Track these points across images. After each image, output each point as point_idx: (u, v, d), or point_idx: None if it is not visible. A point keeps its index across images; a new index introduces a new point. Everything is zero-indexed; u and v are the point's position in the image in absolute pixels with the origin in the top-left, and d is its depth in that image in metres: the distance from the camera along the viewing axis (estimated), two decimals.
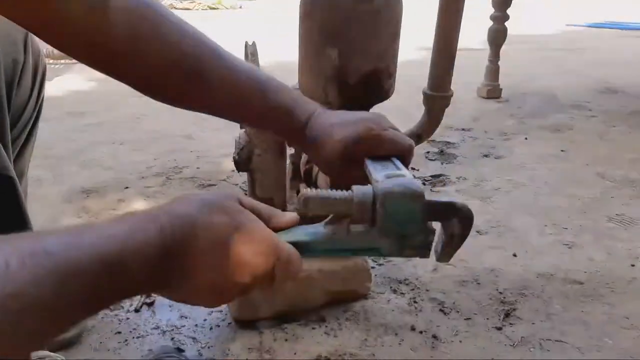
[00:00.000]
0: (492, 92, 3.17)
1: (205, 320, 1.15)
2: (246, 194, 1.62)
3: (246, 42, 1.12)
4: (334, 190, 0.53)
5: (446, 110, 1.50)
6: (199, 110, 0.76)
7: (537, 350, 1.08)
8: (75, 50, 0.68)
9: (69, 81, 3.48)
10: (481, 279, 1.32)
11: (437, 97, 1.44)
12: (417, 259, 0.60)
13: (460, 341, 1.10)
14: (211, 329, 1.13)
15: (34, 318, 0.38)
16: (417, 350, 1.07)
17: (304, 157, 1.25)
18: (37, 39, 0.73)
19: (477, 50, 3.69)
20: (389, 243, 0.54)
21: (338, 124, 0.70)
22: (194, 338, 1.10)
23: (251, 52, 1.09)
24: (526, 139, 2.44)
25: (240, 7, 10.05)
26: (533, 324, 1.15)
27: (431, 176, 1.98)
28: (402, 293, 1.25)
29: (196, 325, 1.14)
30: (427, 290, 1.27)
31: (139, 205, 1.72)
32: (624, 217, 1.64)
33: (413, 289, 1.27)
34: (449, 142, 2.38)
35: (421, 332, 1.12)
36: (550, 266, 1.38)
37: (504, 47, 3.13)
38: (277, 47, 3.05)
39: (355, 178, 0.70)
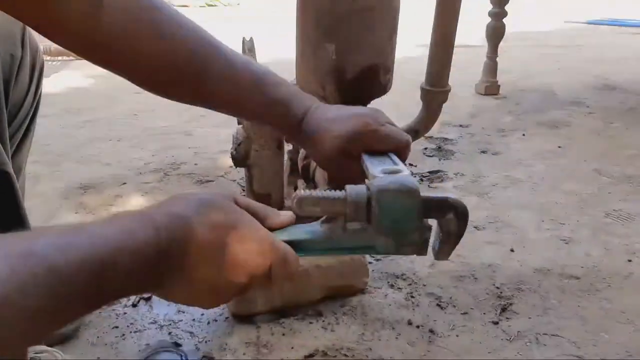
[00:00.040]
0: (490, 88, 3.18)
1: (202, 314, 1.16)
2: (244, 190, 1.62)
3: (244, 38, 1.12)
4: (328, 190, 0.53)
5: (444, 106, 1.50)
6: (197, 104, 0.76)
7: (533, 345, 1.08)
8: (73, 44, 0.68)
9: (66, 78, 3.48)
10: (478, 274, 1.32)
11: (435, 92, 1.44)
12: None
13: (457, 335, 1.11)
14: (208, 323, 1.13)
15: (24, 322, 0.38)
16: (414, 345, 1.08)
17: (302, 152, 1.25)
18: (35, 35, 0.73)
19: (475, 47, 3.69)
20: (385, 241, 0.53)
21: (335, 118, 0.70)
22: (191, 332, 1.10)
23: (248, 48, 1.09)
24: (524, 135, 2.44)
25: (238, 3, 10.03)
26: (530, 318, 1.16)
27: (429, 172, 1.98)
28: (399, 288, 1.26)
29: (193, 319, 1.14)
30: (424, 285, 1.27)
31: (137, 201, 1.72)
32: (621, 213, 1.65)
33: (410, 284, 1.27)
34: (446, 139, 2.38)
35: (418, 327, 1.13)
36: (547, 261, 1.38)
37: (502, 44, 3.13)
38: (277, 47, 3.04)
39: (352, 173, 0.70)
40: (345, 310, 1.17)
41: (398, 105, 2.48)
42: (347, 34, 0.99)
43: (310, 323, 1.13)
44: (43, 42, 0.87)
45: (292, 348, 1.06)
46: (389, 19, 1.02)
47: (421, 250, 0.55)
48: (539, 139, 2.39)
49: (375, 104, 1.19)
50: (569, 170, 2.01)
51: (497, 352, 1.06)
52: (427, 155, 2.17)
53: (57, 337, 1.05)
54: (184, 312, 1.16)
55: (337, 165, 0.71)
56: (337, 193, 0.53)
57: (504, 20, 3.02)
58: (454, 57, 1.46)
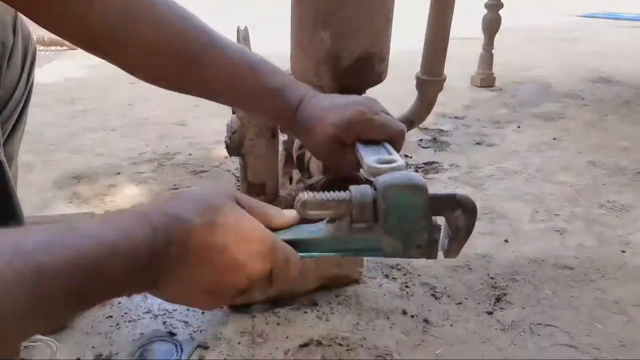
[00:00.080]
0: (486, 80, 3.17)
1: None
2: (238, 181, 1.62)
3: (238, 27, 1.11)
4: (332, 192, 0.52)
5: (440, 98, 1.50)
6: (192, 93, 0.75)
7: (527, 335, 1.08)
8: (66, 31, 0.67)
9: (59, 67, 3.45)
10: (472, 264, 1.32)
11: (430, 81, 1.43)
12: None
13: (451, 325, 1.11)
14: (203, 312, 1.13)
15: (9, 321, 0.37)
16: (409, 334, 1.08)
17: (297, 142, 1.25)
18: (26, 21, 0.72)
19: (471, 39, 3.69)
20: (392, 242, 0.52)
21: (329, 107, 0.69)
22: (185, 322, 1.10)
23: (243, 37, 1.08)
24: (519, 127, 2.44)
25: None
26: (523, 308, 1.16)
27: (424, 163, 1.98)
28: (394, 278, 1.26)
29: (188, 309, 1.14)
30: (419, 275, 1.27)
31: (131, 191, 1.71)
32: (615, 204, 1.65)
33: (405, 274, 1.27)
34: (442, 130, 2.38)
35: (412, 317, 1.13)
36: (541, 252, 1.38)
37: (498, 36, 3.12)
38: (278, 48, 3.03)
39: (346, 162, 0.70)
40: (340, 300, 1.17)
41: (394, 96, 2.48)
42: (342, 21, 0.98)
43: (305, 313, 1.13)
44: (36, 32, 0.87)
45: (287, 337, 1.06)
46: (385, 6, 1.02)
47: (430, 252, 0.53)
48: (534, 131, 2.40)
49: (370, 94, 1.19)
50: (563, 162, 2.02)
51: (491, 342, 1.06)
52: (422, 147, 2.17)
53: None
54: None
55: (332, 154, 0.70)
56: (342, 194, 0.51)
57: (500, 12, 3.01)
58: (450, 49, 1.46)
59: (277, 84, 0.72)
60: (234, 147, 1.14)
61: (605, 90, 3.12)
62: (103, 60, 0.70)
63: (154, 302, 1.16)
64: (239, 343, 1.04)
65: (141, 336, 1.06)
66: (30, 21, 0.66)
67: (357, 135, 0.67)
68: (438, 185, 1.78)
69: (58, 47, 3.78)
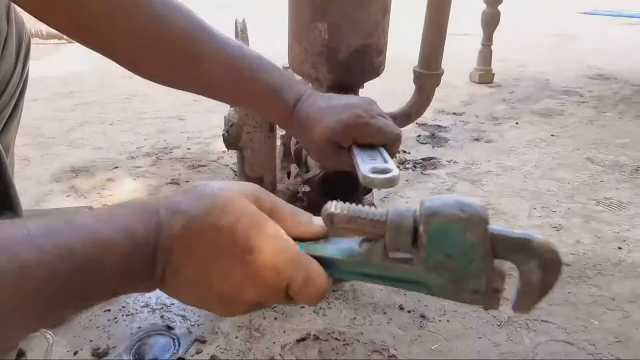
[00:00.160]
0: (485, 77, 3.17)
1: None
2: (236, 175, 1.62)
3: (236, 20, 1.11)
4: (366, 207, 0.44)
5: (438, 94, 1.50)
6: (188, 89, 0.75)
7: (523, 330, 1.09)
8: (62, 24, 0.67)
9: (57, 61, 3.44)
10: None
11: (428, 75, 1.43)
12: None
13: (448, 320, 1.11)
14: (192, 306, 1.13)
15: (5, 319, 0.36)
16: (405, 329, 1.08)
17: None
18: (20, 10, 0.71)
19: (470, 35, 3.68)
20: (438, 280, 0.42)
21: (326, 108, 0.69)
22: (183, 316, 1.10)
23: (241, 29, 1.08)
24: (517, 123, 2.44)
25: None
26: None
27: (422, 159, 1.98)
28: None
29: None
30: None
31: (128, 185, 1.71)
32: (612, 201, 1.66)
33: None
34: (440, 126, 2.38)
35: (409, 312, 1.13)
36: None
37: (497, 33, 3.12)
38: (276, 43, 3.02)
39: (342, 163, 0.70)
40: (337, 294, 1.18)
41: (392, 91, 2.48)
42: (339, 13, 0.98)
43: (302, 307, 1.13)
44: (35, 25, 0.86)
45: (284, 332, 1.06)
46: None
47: (490, 302, 0.42)
48: (532, 127, 2.40)
49: (368, 88, 1.19)
50: (561, 158, 2.02)
51: (488, 337, 1.07)
52: (420, 143, 2.17)
53: None
54: None
55: (328, 155, 0.70)
56: (377, 212, 0.43)
57: (500, 7, 3.01)
58: (448, 45, 1.46)
59: (275, 82, 0.72)
60: (232, 140, 1.14)
61: (604, 87, 3.12)
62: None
63: (151, 296, 1.16)
64: (236, 337, 1.04)
65: (139, 330, 1.06)
66: (29, 15, 0.66)
67: (353, 138, 0.67)
68: (436, 181, 1.79)
69: (56, 41, 3.77)
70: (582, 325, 1.11)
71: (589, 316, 1.13)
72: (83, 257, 0.38)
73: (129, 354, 1.00)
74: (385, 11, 1.04)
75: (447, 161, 1.97)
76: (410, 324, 1.10)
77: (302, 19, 1.02)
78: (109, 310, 1.11)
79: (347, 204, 0.44)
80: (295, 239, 0.46)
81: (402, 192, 1.68)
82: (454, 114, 2.58)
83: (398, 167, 0.62)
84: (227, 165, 1.88)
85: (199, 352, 1.01)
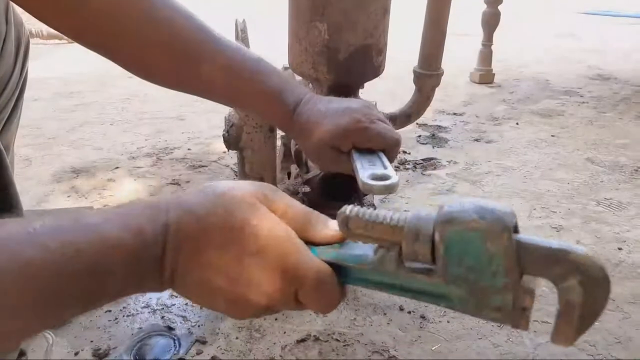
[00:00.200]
0: (485, 77, 3.17)
1: (192, 303, 1.15)
2: (236, 175, 1.62)
3: (236, 20, 1.11)
4: (384, 211, 0.41)
5: (438, 94, 1.50)
6: (187, 90, 0.76)
7: (523, 331, 1.09)
8: (63, 25, 0.67)
9: (58, 61, 3.44)
10: None
11: (428, 75, 1.43)
12: None
13: (448, 321, 1.11)
14: (201, 308, 1.13)
15: (4, 316, 0.36)
16: (406, 330, 1.08)
17: None
18: (19, 10, 0.71)
19: (470, 35, 3.68)
20: (459, 294, 0.38)
21: (326, 112, 0.69)
22: (184, 317, 1.11)
23: (241, 29, 1.08)
24: (517, 124, 2.44)
25: None
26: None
27: (422, 160, 1.98)
28: None
29: (186, 304, 1.14)
30: None
31: (129, 185, 1.71)
32: (612, 202, 1.66)
33: None
34: (440, 126, 2.38)
35: (409, 312, 1.13)
36: None
37: (497, 33, 3.12)
38: (277, 43, 3.02)
39: (341, 167, 0.70)
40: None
41: (392, 91, 2.48)
42: (339, 13, 0.98)
43: None
44: (35, 25, 0.86)
45: (285, 333, 1.06)
46: None
47: (516, 321, 0.38)
48: (532, 127, 2.40)
49: (368, 88, 1.19)
50: (561, 158, 2.02)
51: (488, 338, 1.07)
52: (420, 143, 2.17)
53: None
54: (176, 297, 1.16)
55: (327, 159, 0.70)
56: (394, 216, 0.40)
57: (500, 8, 3.01)
58: (448, 45, 1.46)
59: (275, 85, 0.72)
60: (232, 140, 1.14)
61: (604, 88, 3.12)
62: None
63: (152, 296, 1.16)
64: (236, 338, 1.05)
65: (139, 330, 1.06)
66: (29, 15, 0.66)
67: (352, 143, 0.68)
68: (436, 182, 1.79)
69: (57, 41, 3.76)
70: None
71: None
72: (89, 257, 0.38)
73: (129, 354, 1.00)
74: (385, 11, 1.04)
75: (447, 162, 1.97)
76: (411, 325, 1.10)
77: (302, 19, 1.03)
78: (110, 311, 1.12)
79: (365, 208, 0.42)
80: (308, 242, 0.44)
81: (402, 193, 1.68)
82: (454, 114, 2.58)
83: (398, 168, 0.63)
84: (228, 166, 1.88)
85: (199, 352, 1.01)
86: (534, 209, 1.61)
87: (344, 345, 1.03)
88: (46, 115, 2.38)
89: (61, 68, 3.27)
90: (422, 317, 1.12)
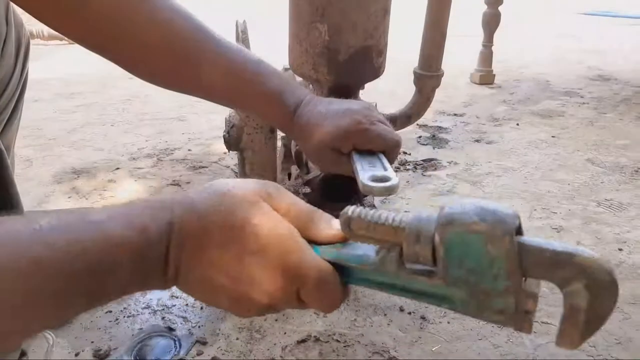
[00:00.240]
0: (485, 78, 3.17)
1: (196, 300, 1.16)
2: (237, 176, 1.62)
3: (237, 21, 1.11)
4: (386, 212, 0.41)
5: (439, 95, 1.50)
6: (188, 91, 0.76)
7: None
8: (64, 26, 0.67)
9: (59, 62, 3.44)
10: None
11: (428, 76, 1.43)
12: None
13: (448, 322, 1.11)
14: (202, 308, 1.13)
15: (5, 316, 0.36)
16: (406, 331, 1.08)
17: None
18: (19, 11, 0.72)
19: (471, 36, 3.68)
20: (461, 296, 0.38)
21: (326, 114, 0.69)
22: (184, 317, 1.11)
23: (242, 30, 1.08)
24: (518, 124, 2.44)
25: None
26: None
27: (422, 160, 1.98)
28: None
29: (187, 304, 1.15)
30: None
31: (130, 186, 1.71)
32: (612, 202, 1.66)
33: None
34: (441, 127, 2.38)
35: (410, 313, 1.13)
36: None
37: (498, 34, 3.12)
38: (277, 44, 3.03)
39: (341, 169, 0.70)
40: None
41: (393, 92, 2.49)
42: (339, 14, 0.98)
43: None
44: (36, 26, 0.87)
45: (285, 333, 1.06)
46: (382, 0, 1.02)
47: (518, 323, 0.37)
48: (533, 128, 2.40)
49: (369, 89, 1.19)
50: (561, 159, 2.02)
51: (488, 339, 1.07)
52: (421, 144, 2.17)
53: None
54: (177, 298, 1.17)
55: (328, 161, 0.71)
56: (397, 217, 0.40)
57: (500, 8, 3.01)
58: (449, 46, 1.46)
59: (275, 87, 0.72)
60: (233, 141, 1.14)
61: (604, 89, 3.12)
62: None
63: (153, 297, 1.17)
64: (237, 339, 1.05)
65: (140, 331, 1.06)
66: (29, 15, 0.66)
67: (353, 144, 0.68)
68: (436, 183, 1.79)
69: (58, 42, 3.77)
70: None
71: None
72: (95, 255, 0.38)
73: (130, 355, 1.00)
74: (386, 12, 1.04)
75: (448, 162, 1.97)
76: (411, 326, 1.10)
77: (302, 20, 1.03)
78: (111, 312, 1.12)
79: (367, 209, 0.42)
80: (311, 241, 0.45)
81: (403, 194, 1.68)
82: (455, 115, 2.58)
83: (398, 168, 0.63)
84: (228, 167, 1.88)
85: (199, 353, 1.01)
86: (535, 209, 1.61)
87: (345, 346, 1.03)
88: (47, 116, 2.38)
89: (62, 69, 3.27)
90: (423, 318, 1.12)
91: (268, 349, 1.02)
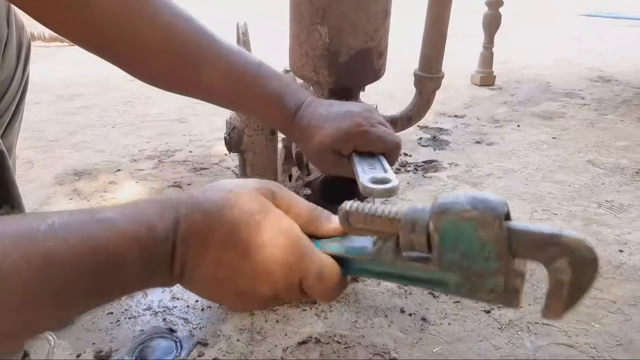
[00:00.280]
0: (486, 79, 3.17)
1: (197, 301, 1.16)
2: (238, 177, 1.62)
3: (237, 23, 1.12)
4: (382, 205, 0.44)
5: (440, 97, 1.50)
6: (189, 94, 0.76)
7: (524, 333, 1.09)
8: (65, 29, 0.67)
9: (60, 64, 3.45)
10: None
11: (428, 78, 1.43)
12: None
13: (449, 324, 1.11)
14: (203, 310, 1.13)
15: (18, 308, 0.37)
16: (407, 332, 1.08)
17: None
18: (20, 13, 0.72)
19: (471, 37, 3.69)
20: (454, 279, 0.41)
21: (327, 116, 0.70)
22: (185, 319, 1.11)
23: (242, 32, 1.08)
24: (518, 126, 2.45)
25: None
26: (521, 307, 1.17)
27: (423, 162, 1.98)
28: None
29: (188, 306, 1.15)
30: None
31: (131, 188, 1.71)
32: (613, 204, 1.66)
33: None
34: (441, 129, 2.38)
35: (410, 315, 1.13)
36: None
37: (498, 35, 3.12)
38: (278, 45, 3.03)
39: (342, 171, 0.70)
40: (338, 297, 1.18)
41: (393, 94, 2.49)
42: (339, 16, 0.99)
43: (304, 310, 1.13)
44: (37, 28, 0.87)
45: (286, 335, 1.06)
46: (383, 1, 1.02)
47: (508, 300, 0.40)
48: (534, 130, 2.40)
49: (369, 91, 1.19)
50: (562, 161, 2.02)
51: (489, 340, 1.07)
52: (422, 145, 2.18)
53: None
54: (178, 299, 1.17)
55: (328, 163, 0.71)
56: (393, 210, 0.43)
57: (501, 10, 3.01)
58: (449, 47, 1.46)
59: (276, 89, 0.72)
60: (233, 143, 1.15)
61: (605, 90, 3.12)
62: None
63: (154, 299, 1.17)
64: (238, 340, 1.05)
65: (141, 333, 1.06)
66: (30, 17, 0.66)
67: (353, 146, 0.68)
68: (437, 184, 1.79)
69: (58, 43, 3.77)
70: (583, 328, 1.11)
71: (590, 319, 1.13)
72: (107, 250, 0.39)
73: (131, 356, 1.00)
74: (386, 14, 1.05)
75: (449, 164, 1.97)
76: (412, 327, 1.10)
77: (302, 22, 1.03)
78: (112, 313, 1.12)
79: (364, 203, 0.44)
80: (311, 235, 0.47)
81: (404, 195, 1.68)
82: (455, 116, 2.58)
83: (399, 170, 0.63)
84: (229, 168, 1.89)
85: (201, 355, 1.01)
86: (535, 211, 1.61)
87: (345, 348, 1.04)
88: (48, 118, 2.39)
89: (63, 70, 3.28)
90: (423, 319, 1.12)
91: (269, 351, 1.02)
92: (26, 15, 0.67)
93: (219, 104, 0.76)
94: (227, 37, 0.76)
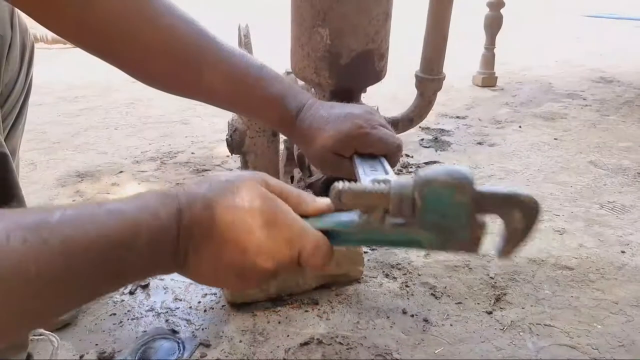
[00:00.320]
0: (488, 80, 3.17)
1: (199, 302, 1.16)
2: None
3: (239, 25, 1.12)
4: (369, 184, 0.50)
5: (441, 98, 1.50)
6: (190, 96, 0.76)
7: (526, 335, 1.09)
8: (67, 31, 0.68)
9: (62, 66, 3.46)
10: (472, 264, 1.33)
11: (429, 79, 1.43)
12: None
13: (451, 325, 1.12)
14: (205, 311, 1.14)
15: (38, 294, 0.38)
16: (409, 334, 1.09)
17: None
18: (23, 15, 0.72)
19: (473, 38, 3.69)
20: (429, 236, 0.48)
21: (328, 118, 0.70)
22: (188, 320, 1.11)
23: (244, 34, 1.09)
24: (520, 127, 2.45)
25: None
26: (523, 308, 1.17)
27: (425, 163, 1.98)
28: (394, 277, 1.27)
29: (190, 307, 1.15)
30: (419, 275, 1.28)
31: (133, 189, 1.72)
32: (615, 205, 1.66)
33: (405, 274, 1.28)
34: (443, 130, 2.38)
35: (412, 316, 1.14)
36: (541, 252, 1.39)
37: (500, 36, 3.12)
38: (279, 46, 3.03)
39: (343, 172, 0.70)
40: (340, 299, 1.18)
41: (394, 95, 2.49)
42: (341, 18, 0.99)
43: (306, 311, 1.14)
44: (40, 30, 0.87)
45: (288, 336, 1.07)
46: (383, 3, 1.02)
47: (471, 247, 0.49)
48: (535, 130, 2.40)
49: (371, 92, 1.19)
50: (564, 162, 2.02)
51: (490, 341, 1.07)
52: (423, 146, 2.18)
53: (55, 324, 1.05)
54: (180, 300, 1.17)
55: (329, 164, 0.71)
56: (381, 187, 0.49)
57: (502, 11, 3.01)
58: (451, 48, 1.46)
59: (277, 91, 0.72)
60: (235, 145, 1.15)
61: (607, 91, 3.12)
62: None
63: (156, 300, 1.17)
64: (240, 341, 1.05)
65: (144, 334, 1.07)
66: (33, 20, 0.67)
67: (355, 148, 0.68)
68: None
69: (61, 45, 3.78)
70: (585, 329, 1.11)
71: (592, 320, 1.13)
72: (118, 238, 0.42)
73: (134, 357, 1.00)
74: (387, 16, 1.05)
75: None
76: (414, 328, 1.10)
77: (304, 24, 1.03)
78: (115, 315, 1.12)
79: (352, 182, 0.50)
80: (301, 215, 0.51)
81: None
82: (457, 117, 2.58)
83: (400, 171, 0.64)
84: (231, 170, 1.89)
85: (203, 356, 1.01)
86: None
87: (347, 349, 1.04)
88: (51, 120, 2.39)
89: (65, 72, 3.29)
90: (425, 320, 1.12)
91: (271, 352, 1.03)
92: (29, 18, 0.67)
93: (220, 106, 0.76)
94: (228, 38, 0.77)
